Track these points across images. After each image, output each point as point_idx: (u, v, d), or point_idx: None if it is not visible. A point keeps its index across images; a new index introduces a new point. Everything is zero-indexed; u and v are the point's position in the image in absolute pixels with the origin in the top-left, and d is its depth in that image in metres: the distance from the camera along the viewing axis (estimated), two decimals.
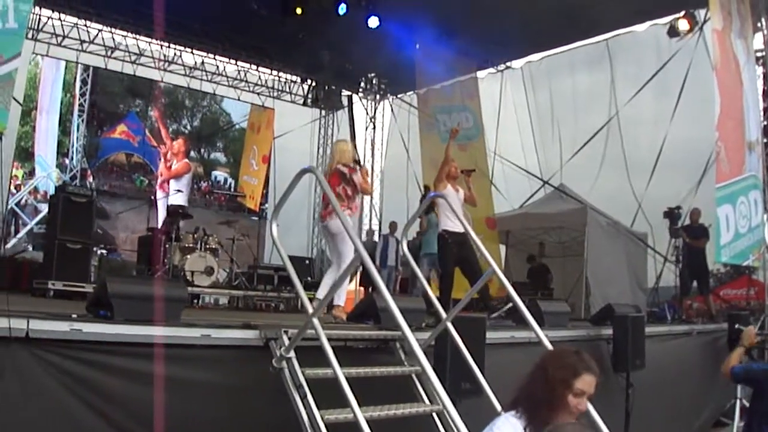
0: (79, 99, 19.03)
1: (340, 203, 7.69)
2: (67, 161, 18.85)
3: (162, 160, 13.81)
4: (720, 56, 12.53)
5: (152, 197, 13.41)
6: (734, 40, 13.20)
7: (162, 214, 12.63)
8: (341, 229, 7.72)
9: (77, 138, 18.99)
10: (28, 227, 16.90)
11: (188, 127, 21.25)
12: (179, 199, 12.47)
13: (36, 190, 18.28)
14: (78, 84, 19.05)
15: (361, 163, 8.54)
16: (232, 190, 21.74)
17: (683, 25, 15.51)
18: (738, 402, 10.13)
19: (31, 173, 18.51)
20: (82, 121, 19.09)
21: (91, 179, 18.71)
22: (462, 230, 9.15)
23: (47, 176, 18.27)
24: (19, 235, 17.43)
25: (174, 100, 21.05)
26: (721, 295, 17.58)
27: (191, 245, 11.97)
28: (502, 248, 18.10)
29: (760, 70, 14.70)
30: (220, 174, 21.86)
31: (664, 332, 10.87)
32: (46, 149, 18.79)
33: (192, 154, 19.16)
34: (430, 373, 4.00)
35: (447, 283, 10.31)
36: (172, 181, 12.75)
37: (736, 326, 9.57)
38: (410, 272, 14.44)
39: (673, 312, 13.33)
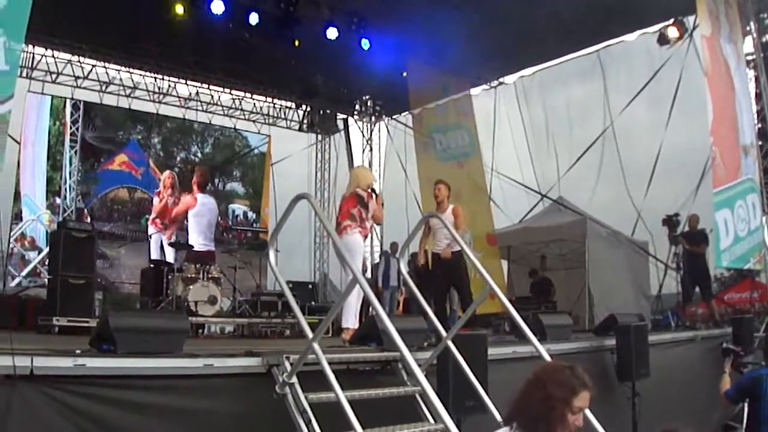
0: (71, 127, 17.05)
1: (353, 223, 8.19)
2: (58, 201, 16.69)
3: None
4: (711, 62, 12.62)
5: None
6: (724, 45, 13.30)
7: (167, 249, 12.24)
8: (356, 247, 8.06)
9: (70, 173, 16.85)
10: (17, 280, 14.54)
11: (199, 154, 19.79)
12: (201, 240, 12.10)
13: (23, 236, 16.15)
14: (68, 110, 17.13)
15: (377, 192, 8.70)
16: (253, 225, 20.11)
17: (673, 32, 15.61)
18: (746, 406, 10.14)
19: (17, 216, 16.10)
20: (75, 152, 16.97)
21: (88, 220, 15.97)
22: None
23: (37, 219, 16.26)
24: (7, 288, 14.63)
25: (180, 125, 19.38)
26: (725, 299, 17.57)
27: (193, 275, 11.95)
28: (504, 264, 18.08)
29: (751, 73, 14.76)
30: (238, 207, 20.19)
31: (668, 340, 10.87)
32: (33, 188, 16.49)
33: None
34: (430, 393, 4.04)
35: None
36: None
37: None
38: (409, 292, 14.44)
39: (676, 319, 13.31)
